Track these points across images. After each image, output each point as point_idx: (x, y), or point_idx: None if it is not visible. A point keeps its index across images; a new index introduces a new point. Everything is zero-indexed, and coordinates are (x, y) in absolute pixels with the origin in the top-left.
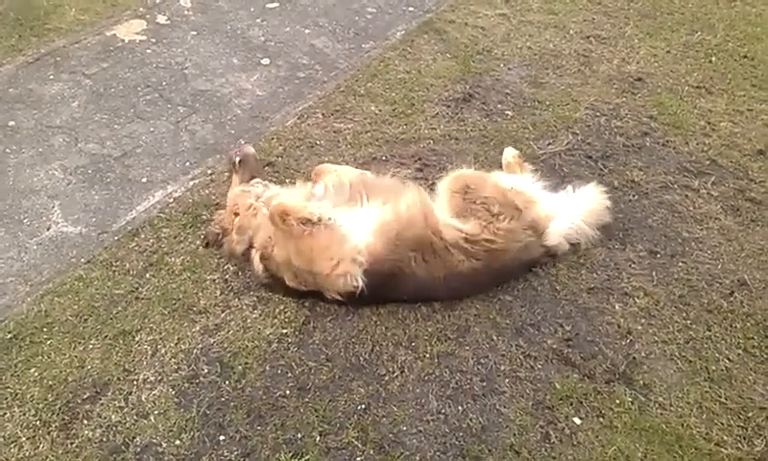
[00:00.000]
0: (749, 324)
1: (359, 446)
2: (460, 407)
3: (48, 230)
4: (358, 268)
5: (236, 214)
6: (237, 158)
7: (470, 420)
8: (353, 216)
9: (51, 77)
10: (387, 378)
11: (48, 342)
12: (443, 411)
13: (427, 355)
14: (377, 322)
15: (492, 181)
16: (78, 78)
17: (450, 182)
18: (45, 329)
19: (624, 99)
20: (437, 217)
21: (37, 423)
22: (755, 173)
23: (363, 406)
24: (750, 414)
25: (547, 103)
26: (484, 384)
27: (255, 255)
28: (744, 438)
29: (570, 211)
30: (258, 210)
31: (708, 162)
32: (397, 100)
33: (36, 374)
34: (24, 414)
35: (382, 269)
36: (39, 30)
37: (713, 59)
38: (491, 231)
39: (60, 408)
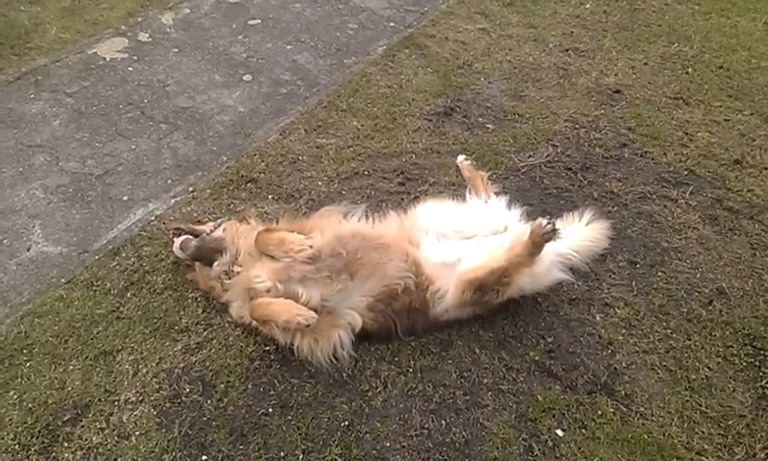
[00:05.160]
0: (728, 332)
1: None
2: (443, 422)
3: (28, 250)
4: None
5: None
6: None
7: (454, 434)
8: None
9: (32, 96)
10: (370, 394)
11: (28, 364)
12: (426, 426)
13: (410, 370)
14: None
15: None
16: (59, 96)
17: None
18: (25, 351)
19: (603, 111)
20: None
21: (17, 447)
22: (732, 182)
23: (346, 423)
24: (730, 422)
25: (527, 116)
26: (467, 398)
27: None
28: (725, 446)
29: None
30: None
31: (685, 172)
32: (379, 115)
33: (16, 396)
34: (3, 438)
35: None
36: (20, 49)
37: (690, 70)
38: None
39: (39, 431)
